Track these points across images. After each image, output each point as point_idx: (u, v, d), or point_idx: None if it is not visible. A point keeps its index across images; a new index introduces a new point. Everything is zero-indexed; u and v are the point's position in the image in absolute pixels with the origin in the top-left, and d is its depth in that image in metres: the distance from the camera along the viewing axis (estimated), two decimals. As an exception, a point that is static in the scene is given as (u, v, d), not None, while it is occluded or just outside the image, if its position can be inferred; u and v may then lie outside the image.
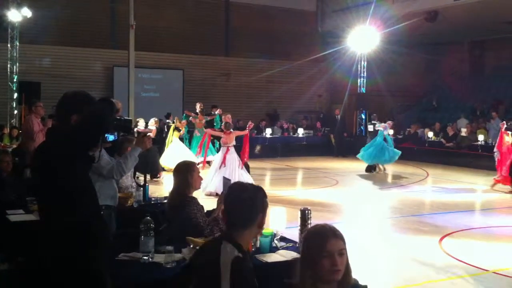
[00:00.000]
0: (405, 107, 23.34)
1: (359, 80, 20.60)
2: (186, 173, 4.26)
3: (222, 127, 11.61)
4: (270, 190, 11.51)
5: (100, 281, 2.95)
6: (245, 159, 11.64)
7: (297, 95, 22.78)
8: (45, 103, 11.42)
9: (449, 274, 6.04)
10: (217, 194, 10.41)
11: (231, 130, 11.38)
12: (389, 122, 15.34)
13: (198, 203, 4.20)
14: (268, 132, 19.20)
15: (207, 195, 10.15)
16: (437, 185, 12.76)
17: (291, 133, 20.49)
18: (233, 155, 11.04)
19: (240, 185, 2.78)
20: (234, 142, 11.27)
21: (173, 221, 4.18)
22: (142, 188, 5.50)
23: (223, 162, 10.86)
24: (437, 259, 6.64)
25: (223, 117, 12.10)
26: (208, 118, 15.07)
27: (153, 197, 5.66)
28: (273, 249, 3.92)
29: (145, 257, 3.56)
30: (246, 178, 10.77)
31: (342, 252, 2.42)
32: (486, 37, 22.16)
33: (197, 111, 14.90)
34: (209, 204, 4.78)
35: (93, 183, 4.37)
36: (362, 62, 20.38)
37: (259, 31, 21.97)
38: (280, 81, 22.43)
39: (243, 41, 22.08)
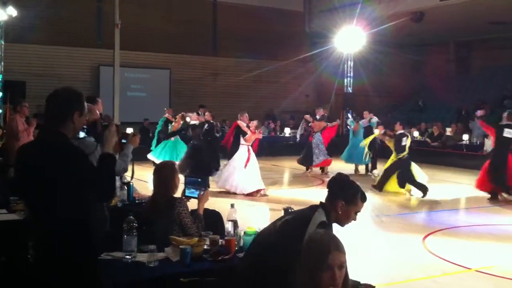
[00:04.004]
0: (391, 107, 23.47)
1: (345, 80, 20.70)
2: (172, 174, 4.27)
3: (254, 126, 11.08)
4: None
5: (96, 280, 2.97)
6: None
7: (284, 95, 22.84)
8: (30, 103, 11.32)
9: (431, 273, 6.09)
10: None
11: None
12: (365, 112, 15.29)
13: (186, 204, 4.22)
14: (255, 131, 19.19)
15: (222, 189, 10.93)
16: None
17: (278, 133, 20.52)
18: (253, 156, 11.05)
19: (347, 176, 3.50)
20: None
21: (157, 222, 4.16)
22: (126, 188, 5.48)
23: (248, 161, 10.86)
24: (420, 258, 6.70)
25: (239, 115, 11.54)
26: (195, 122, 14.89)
27: (137, 197, 5.64)
28: (257, 248, 3.93)
29: (127, 256, 3.55)
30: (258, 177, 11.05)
31: (343, 265, 2.39)
32: (471, 37, 22.35)
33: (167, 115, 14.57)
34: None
35: None
36: (349, 62, 20.48)
37: (247, 31, 21.98)
38: (268, 81, 22.47)
39: (231, 41, 22.08)
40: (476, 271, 6.18)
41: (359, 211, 3.35)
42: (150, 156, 14.17)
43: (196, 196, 4.37)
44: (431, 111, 21.62)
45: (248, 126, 11.13)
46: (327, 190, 3.35)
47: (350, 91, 20.77)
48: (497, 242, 7.60)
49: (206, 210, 4.58)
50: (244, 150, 11.04)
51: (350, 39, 19.06)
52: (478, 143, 16.67)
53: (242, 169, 10.88)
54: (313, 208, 3.26)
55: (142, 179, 11.80)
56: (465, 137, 16.71)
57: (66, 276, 2.84)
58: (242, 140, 11.15)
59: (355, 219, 3.37)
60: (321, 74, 22.37)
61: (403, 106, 23.54)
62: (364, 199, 3.35)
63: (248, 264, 3.25)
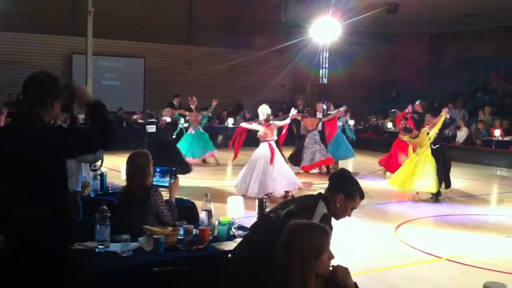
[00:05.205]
0: (366, 98, 23.65)
1: (321, 71, 20.77)
2: (147, 162, 4.24)
3: (264, 118, 10.09)
4: (230, 180, 11.52)
5: (72, 268, 2.94)
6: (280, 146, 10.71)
7: (260, 85, 22.80)
8: (1, 91, 11.10)
9: (404, 262, 6.19)
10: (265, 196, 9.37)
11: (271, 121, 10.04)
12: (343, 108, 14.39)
13: (160, 192, 4.21)
14: (230, 122, 19.16)
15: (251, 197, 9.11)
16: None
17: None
18: (277, 152, 9.90)
19: (349, 171, 3.67)
20: (275, 137, 10.09)
21: (132, 211, 4.14)
22: (99, 177, 5.42)
23: (272, 157, 9.68)
24: (393, 247, 6.79)
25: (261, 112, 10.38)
26: (205, 113, 14.39)
27: (111, 186, 5.59)
28: (231, 238, 3.94)
29: (100, 246, 3.52)
30: (291, 171, 10.28)
31: None
32: (445, 30, 22.60)
33: (192, 107, 14.02)
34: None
35: (72, 169, 4.33)
36: (324, 53, 20.55)
37: (222, 20, 21.85)
38: (243, 71, 22.39)
39: (206, 30, 21.91)
40: (447, 259, 6.29)
41: (355, 208, 3.46)
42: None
43: (166, 185, 4.35)
44: (404, 102, 21.79)
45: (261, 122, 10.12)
46: (328, 183, 3.46)
47: (325, 82, 20.86)
48: (467, 231, 7.75)
49: (180, 199, 4.57)
50: (263, 147, 9.94)
51: (325, 30, 19.13)
52: (450, 134, 16.91)
53: (268, 168, 9.67)
54: (313, 199, 3.35)
55: (114, 169, 11.68)
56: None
57: (41, 265, 2.80)
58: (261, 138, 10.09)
59: (349, 215, 3.47)
60: (297, 65, 22.38)
61: (377, 97, 23.74)
62: (362, 196, 3.47)
63: (249, 250, 3.28)
